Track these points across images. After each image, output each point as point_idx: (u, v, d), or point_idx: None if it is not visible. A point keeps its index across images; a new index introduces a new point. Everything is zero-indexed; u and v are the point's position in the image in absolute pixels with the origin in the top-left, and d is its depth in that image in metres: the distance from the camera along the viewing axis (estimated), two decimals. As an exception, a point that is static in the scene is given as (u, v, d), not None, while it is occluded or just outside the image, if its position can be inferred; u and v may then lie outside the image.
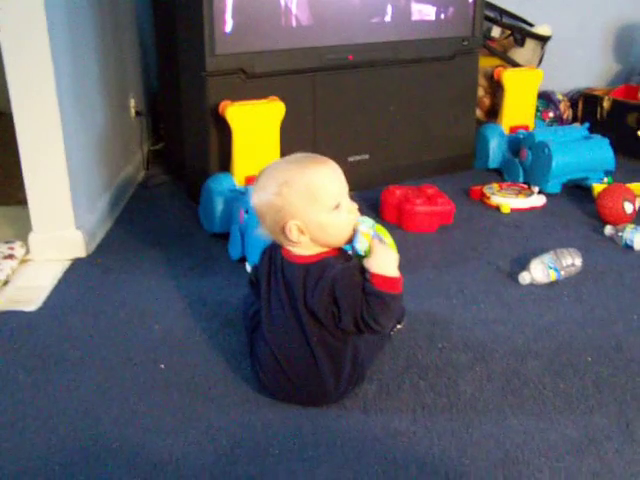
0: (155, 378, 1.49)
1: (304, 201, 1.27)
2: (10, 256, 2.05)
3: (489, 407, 1.39)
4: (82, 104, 2.19)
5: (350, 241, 1.31)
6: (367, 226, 1.31)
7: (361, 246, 1.29)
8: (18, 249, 2.09)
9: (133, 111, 2.81)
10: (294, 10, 2.31)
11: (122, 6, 2.74)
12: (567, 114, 3.28)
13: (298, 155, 1.36)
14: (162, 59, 2.75)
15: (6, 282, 1.95)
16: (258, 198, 1.32)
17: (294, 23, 2.33)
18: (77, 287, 1.92)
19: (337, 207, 1.29)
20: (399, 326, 1.62)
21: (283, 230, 1.29)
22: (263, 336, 1.39)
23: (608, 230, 2.18)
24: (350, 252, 1.34)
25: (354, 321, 1.27)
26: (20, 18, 1.86)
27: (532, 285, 1.87)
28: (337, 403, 1.39)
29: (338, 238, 1.32)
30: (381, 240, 1.30)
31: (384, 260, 1.28)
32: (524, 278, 1.87)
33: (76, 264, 2.06)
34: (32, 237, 2.08)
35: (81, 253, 2.10)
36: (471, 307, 1.78)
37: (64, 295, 1.87)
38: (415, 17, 2.54)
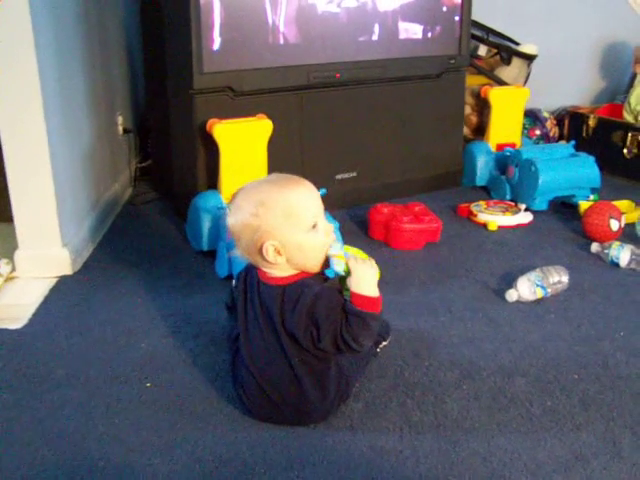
0: (141, 397, 1.48)
1: (281, 221, 1.26)
2: (-4, 274, 2.04)
3: (476, 425, 1.38)
4: (69, 121, 2.18)
5: (326, 266, 1.30)
6: (337, 248, 1.30)
7: (339, 268, 1.28)
8: (4, 266, 2.07)
9: (121, 129, 2.81)
10: (282, 28, 2.32)
11: (110, 24, 2.75)
12: (554, 132, 3.31)
13: (274, 175, 1.36)
14: (150, 77, 2.75)
15: (-8, 300, 1.94)
16: (234, 219, 1.31)
17: (282, 41, 2.34)
18: (63, 305, 1.90)
19: (314, 227, 1.28)
20: (385, 342, 1.62)
21: (260, 251, 1.28)
22: (243, 361, 1.38)
23: (594, 247, 2.19)
24: (331, 276, 1.33)
25: (333, 341, 1.26)
26: (7, 34, 1.85)
27: (519, 302, 1.88)
28: (324, 422, 1.38)
29: (314, 260, 1.30)
30: (359, 259, 1.30)
31: (363, 278, 1.27)
32: (511, 295, 1.87)
33: (62, 282, 2.04)
34: (18, 254, 2.07)
35: (67, 271, 2.09)
36: (458, 324, 1.78)
37: (50, 313, 1.86)
38: (402, 35, 2.56)
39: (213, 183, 2.24)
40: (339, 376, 1.37)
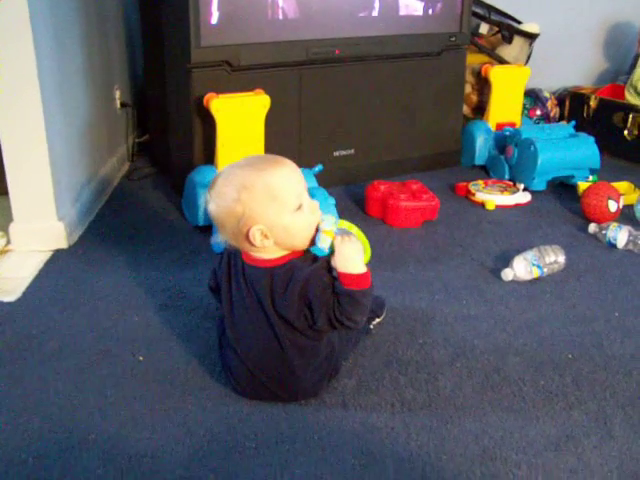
0: (133, 370, 1.48)
1: (266, 205, 1.23)
2: (-9, 246, 2.03)
3: (468, 403, 1.38)
4: (65, 94, 2.16)
5: (313, 241, 1.28)
6: (329, 223, 1.28)
7: (324, 245, 1.27)
8: (1, 239, 2.07)
9: (118, 103, 2.79)
10: (281, 3, 2.29)
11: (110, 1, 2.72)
12: (554, 112, 3.29)
13: (253, 157, 1.35)
14: (148, 51, 2.73)
15: (-14, 273, 1.93)
16: (216, 205, 1.27)
17: (281, 16, 2.31)
18: (57, 278, 1.90)
19: (299, 207, 1.26)
20: (378, 319, 1.62)
21: (246, 236, 1.26)
22: (229, 343, 1.38)
23: (592, 228, 2.18)
24: (316, 253, 1.31)
25: (328, 321, 1.25)
26: (2, 9, 1.83)
27: (514, 282, 1.87)
28: (315, 398, 1.38)
29: (303, 239, 1.28)
30: (346, 235, 1.28)
31: (348, 257, 1.25)
32: (507, 274, 1.87)
33: (57, 255, 2.04)
34: (13, 227, 2.06)
35: (63, 244, 2.08)
36: (453, 303, 1.77)
37: (44, 286, 1.85)
38: (403, 12, 2.53)
39: (210, 158, 2.23)
40: (330, 353, 1.37)
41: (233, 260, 1.35)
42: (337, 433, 1.29)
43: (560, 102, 3.33)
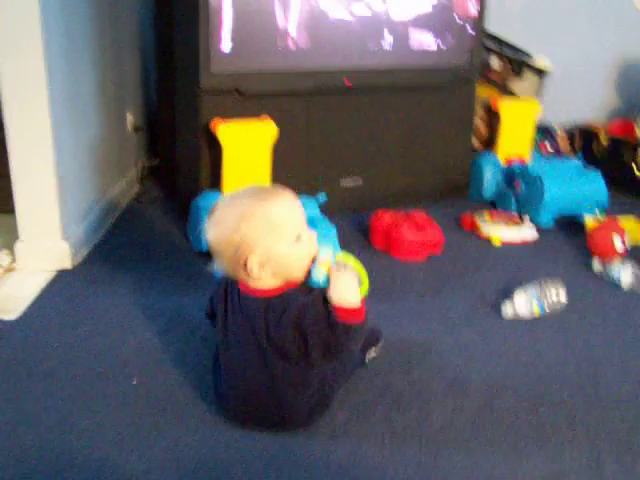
0: (125, 393, 1.48)
1: (264, 235, 1.24)
2: (-4, 264, 2.05)
3: (459, 439, 1.37)
4: (76, 116, 2.20)
5: (309, 273, 1.28)
6: (326, 255, 1.28)
7: (320, 277, 1.26)
8: (4, 257, 2.09)
9: (130, 126, 2.83)
10: (292, 32, 2.32)
11: (124, 23, 2.76)
12: (565, 147, 3.28)
13: (253, 187, 1.35)
14: (161, 75, 2.77)
15: (-11, 290, 1.95)
16: (214, 234, 1.28)
17: (291, 45, 2.33)
18: (59, 298, 1.91)
19: (297, 239, 1.27)
20: (374, 354, 1.61)
21: (243, 266, 1.26)
22: (222, 370, 1.38)
23: (596, 266, 2.16)
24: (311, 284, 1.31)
25: (322, 352, 1.25)
26: (15, 25, 1.86)
27: (515, 317, 1.85)
28: (306, 428, 1.37)
29: (300, 270, 1.28)
30: (343, 267, 1.28)
31: (343, 290, 1.24)
32: (507, 310, 1.86)
33: (61, 275, 2.05)
34: (18, 246, 2.08)
35: (67, 265, 2.10)
36: (451, 336, 1.76)
37: (45, 306, 1.87)
38: (413, 44, 2.54)
39: (216, 183, 2.24)
40: (321, 384, 1.36)
41: (230, 288, 1.36)
42: (325, 464, 1.29)
43: (571, 137, 3.33)
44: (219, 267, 1.32)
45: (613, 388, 1.56)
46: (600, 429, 1.41)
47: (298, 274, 1.29)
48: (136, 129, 2.85)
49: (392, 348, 1.68)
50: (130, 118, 2.82)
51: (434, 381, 1.56)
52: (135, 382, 1.52)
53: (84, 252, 2.20)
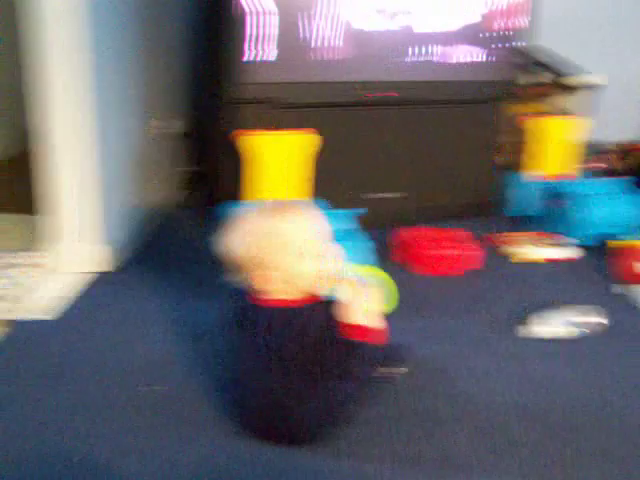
0: (134, 401, 1.52)
1: (278, 250, 1.28)
2: (38, 265, 2.14)
3: (466, 462, 1.37)
4: (119, 122, 2.27)
5: (328, 288, 1.31)
6: (348, 274, 1.31)
7: (339, 294, 1.29)
8: (46, 259, 2.18)
9: (175, 133, 2.89)
10: (327, 43, 2.32)
11: (170, 30, 2.82)
12: (616, 166, 3.21)
13: (271, 203, 1.39)
14: (205, 82, 2.82)
15: (30, 290, 2.03)
16: (229, 249, 1.33)
17: (326, 56, 2.34)
18: (95, 301, 1.99)
19: (312, 255, 1.30)
20: (400, 369, 1.61)
21: (257, 279, 1.30)
22: (235, 380, 1.42)
23: (617, 289, 2.13)
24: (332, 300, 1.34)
25: (331, 369, 1.27)
26: (61, 29, 1.93)
27: (536, 340, 1.83)
28: (314, 444, 1.38)
29: (313, 284, 1.32)
30: (364, 285, 1.30)
31: (362, 310, 1.26)
32: (530, 331, 1.84)
33: (100, 278, 2.13)
34: (60, 248, 2.17)
35: (106, 268, 2.18)
36: (469, 357, 1.75)
37: (81, 308, 1.94)
38: (450, 58, 2.52)
39: (243, 194, 2.28)
40: (329, 400, 1.38)
41: (244, 300, 1.39)
42: (325, 482, 1.31)
43: (623, 155, 3.26)
44: (233, 279, 1.36)
45: (628, 414, 1.53)
46: (613, 458, 1.38)
47: (311, 287, 1.33)
48: (182, 135, 2.92)
49: (414, 368, 1.66)
50: (175, 124, 2.88)
51: (447, 403, 1.55)
52: (146, 389, 1.56)
53: (124, 256, 2.28)
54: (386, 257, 2.34)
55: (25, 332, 1.80)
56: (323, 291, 1.32)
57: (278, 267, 1.28)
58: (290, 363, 1.30)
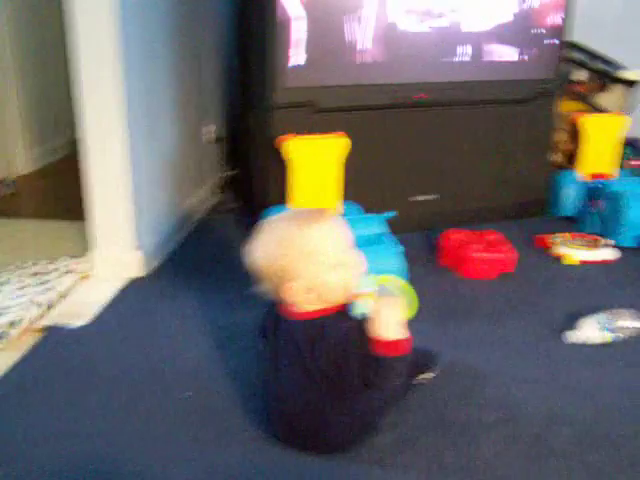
0: (175, 406, 1.51)
1: (304, 260, 1.24)
2: (71, 271, 2.13)
3: (507, 473, 1.32)
4: (152, 127, 2.26)
5: (352, 301, 1.27)
6: (367, 286, 1.27)
7: (362, 309, 1.25)
8: (81, 264, 2.17)
9: (212, 137, 2.89)
10: (366, 46, 2.30)
11: (206, 33, 2.82)
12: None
13: (295, 211, 1.37)
14: (241, 87, 2.81)
15: (64, 296, 2.03)
16: (258, 257, 1.29)
17: (365, 59, 2.32)
18: (127, 307, 1.98)
19: (339, 264, 1.26)
20: (426, 376, 1.58)
21: (285, 290, 1.27)
22: (269, 389, 1.39)
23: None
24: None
25: (360, 381, 1.23)
26: (92, 33, 1.93)
27: (582, 345, 1.78)
28: (349, 452, 1.35)
29: (342, 295, 1.28)
30: (386, 296, 1.25)
31: (384, 323, 1.20)
32: (572, 337, 1.78)
33: (133, 284, 2.12)
34: (94, 254, 2.17)
35: (139, 273, 2.17)
36: (512, 363, 1.70)
37: (113, 314, 1.93)
38: (492, 57, 2.48)
39: (285, 199, 2.26)
40: (366, 409, 1.34)
41: (276, 310, 1.37)
42: (364, 491, 1.27)
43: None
44: (262, 291, 1.33)
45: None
46: (662, 473, 1.33)
47: (340, 298, 1.29)
48: (216, 139, 2.91)
49: (449, 372, 1.63)
50: (211, 128, 2.87)
51: (488, 410, 1.50)
52: (189, 395, 1.55)
53: (157, 261, 2.27)
54: (425, 260, 2.30)
55: (59, 338, 1.80)
56: (349, 302, 1.27)
57: (304, 277, 1.25)
58: (321, 375, 1.27)
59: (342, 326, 1.25)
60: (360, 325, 1.23)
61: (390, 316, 1.21)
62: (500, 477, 1.31)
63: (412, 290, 1.32)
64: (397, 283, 1.30)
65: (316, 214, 1.31)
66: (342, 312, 1.29)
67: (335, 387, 1.28)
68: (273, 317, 1.37)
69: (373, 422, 1.39)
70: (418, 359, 1.53)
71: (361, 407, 1.34)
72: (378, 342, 1.20)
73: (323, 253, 1.25)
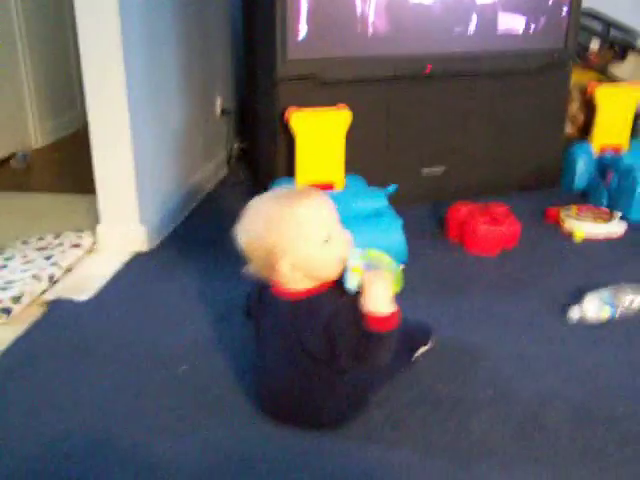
0: (172, 380, 1.52)
1: (293, 237, 1.23)
2: (77, 245, 2.15)
3: (496, 450, 1.31)
4: (156, 102, 2.25)
5: (341, 277, 1.26)
6: (356, 259, 1.26)
7: (352, 283, 1.24)
8: (86, 239, 2.19)
9: (219, 110, 2.87)
10: (371, 18, 2.27)
11: (213, 6, 2.80)
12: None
13: (284, 190, 1.35)
14: (249, 60, 2.79)
15: (69, 270, 2.05)
16: (246, 237, 1.29)
17: (371, 31, 2.29)
18: (130, 281, 2.00)
19: (327, 240, 1.25)
20: (424, 348, 1.58)
21: (274, 268, 1.26)
22: (259, 366, 1.40)
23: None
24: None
25: (351, 359, 1.23)
26: (92, 7, 1.92)
27: (583, 322, 1.75)
28: (338, 428, 1.36)
29: (331, 271, 1.27)
30: (374, 270, 1.25)
31: (374, 297, 1.20)
32: (574, 313, 1.76)
33: (136, 258, 2.14)
34: (99, 228, 2.18)
35: (143, 247, 2.18)
36: (509, 340, 1.69)
37: (115, 288, 1.95)
38: (501, 27, 2.43)
39: (291, 171, 2.25)
40: (355, 386, 1.35)
41: (264, 289, 1.37)
42: (350, 467, 1.27)
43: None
44: (251, 270, 1.33)
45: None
46: (652, 451, 1.31)
47: (330, 275, 1.28)
48: (223, 112, 2.89)
49: (445, 349, 1.63)
50: (219, 101, 2.86)
51: (481, 387, 1.50)
52: (184, 369, 1.56)
53: (162, 235, 2.28)
54: (430, 234, 2.29)
55: (62, 312, 1.82)
56: (339, 278, 1.27)
57: (292, 255, 1.24)
58: (315, 351, 1.27)
59: (333, 303, 1.25)
60: (352, 301, 1.23)
61: (379, 291, 1.21)
62: (486, 453, 1.31)
63: (396, 265, 1.31)
64: (383, 258, 1.29)
65: (302, 192, 1.30)
66: (333, 289, 1.29)
67: (324, 363, 1.28)
68: (258, 296, 1.37)
69: (363, 398, 1.39)
70: (415, 333, 1.54)
71: (350, 383, 1.34)
72: (371, 318, 1.20)
73: (310, 230, 1.24)
